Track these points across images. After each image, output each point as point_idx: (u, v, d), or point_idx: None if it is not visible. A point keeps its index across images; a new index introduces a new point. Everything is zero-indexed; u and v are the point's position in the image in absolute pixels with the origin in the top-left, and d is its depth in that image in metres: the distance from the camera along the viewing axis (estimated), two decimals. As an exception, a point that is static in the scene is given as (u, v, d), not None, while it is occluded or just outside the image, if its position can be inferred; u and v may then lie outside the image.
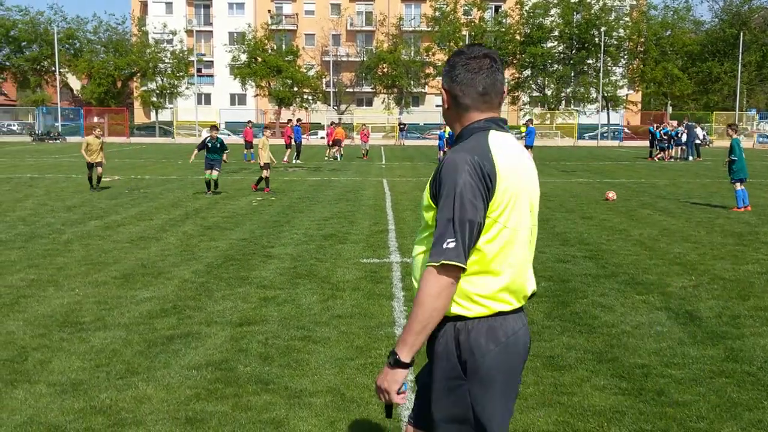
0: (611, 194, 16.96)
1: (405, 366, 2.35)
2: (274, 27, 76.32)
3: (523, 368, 2.55)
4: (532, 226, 2.52)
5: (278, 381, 5.07)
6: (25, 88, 75.45)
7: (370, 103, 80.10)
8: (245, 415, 4.50)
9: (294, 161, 31.83)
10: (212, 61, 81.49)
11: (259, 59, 66.71)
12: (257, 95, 72.89)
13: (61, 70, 68.68)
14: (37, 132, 60.90)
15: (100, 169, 18.35)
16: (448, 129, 32.53)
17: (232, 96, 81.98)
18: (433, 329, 2.34)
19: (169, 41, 71.47)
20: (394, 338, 6.07)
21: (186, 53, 70.65)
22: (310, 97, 69.81)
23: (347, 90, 77.04)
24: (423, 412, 2.55)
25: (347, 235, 11.62)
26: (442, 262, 2.26)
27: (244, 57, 67.51)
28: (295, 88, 68.01)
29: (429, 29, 71.35)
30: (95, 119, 67.63)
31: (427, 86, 74.95)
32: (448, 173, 2.32)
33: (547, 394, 4.88)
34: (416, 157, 37.81)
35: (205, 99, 78.79)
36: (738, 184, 14.92)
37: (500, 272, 2.38)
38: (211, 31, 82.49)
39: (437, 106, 77.92)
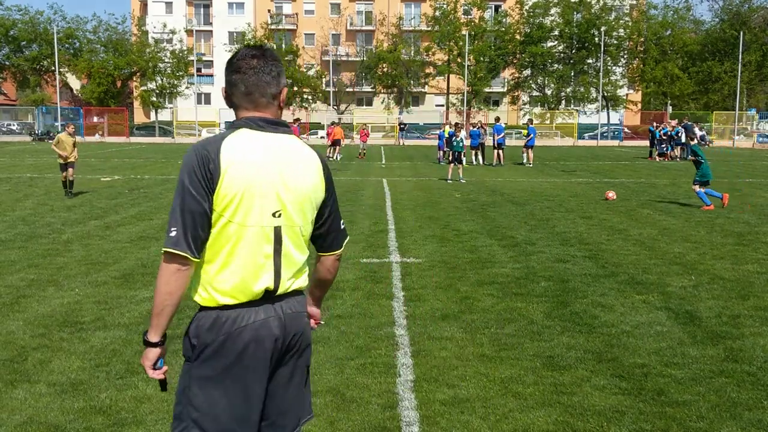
0: (611, 194, 16.96)
1: (152, 345, 2.52)
2: (273, 27, 76.33)
3: (269, 365, 2.50)
4: (287, 226, 2.51)
5: (278, 381, 5.06)
6: (24, 88, 75.44)
7: (370, 103, 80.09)
8: (245, 414, 4.49)
9: None
10: (212, 61, 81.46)
11: (259, 59, 66.56)
12: (257, 95, 72.74)
13: (61, 69, 68.65)
14: (36, 132, 60.90)
15: (71, 170, 17.29)
16: (448, 128, 32.60)
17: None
18: (172, 312, 2.47)
19: (169, 41, 71.41)
20: (394, 338, 6.08)
21: (186, 53, 70.61)
22: (310, 97, 69.83)
23: (347, 90, 77.03)
24: None
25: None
26: (164, 249, 2.41)
27: (243, 57, 67.28)
28: (295, 88, 68.01)
29: (429, 29, 71.31)
30: (95, 119, 67.68)
31: (427, 86, 74.95)
32: (182, 165, 2.46)
33: (547, 393, 4.88)
34: (416, 156, 37.80)
35: (205, 99, 78.76)
36: (697, 187, 15.22)
37: (225, 265, 2.46)
38: (211, 31, 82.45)
39: (437, 105, 77.99)
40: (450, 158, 22.82)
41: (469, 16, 70.04)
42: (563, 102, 72.21)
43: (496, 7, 76.90)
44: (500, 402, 4.74)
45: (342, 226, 2.80)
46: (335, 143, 35.18)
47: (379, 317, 6.73)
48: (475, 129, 31.63)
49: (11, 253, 9.80)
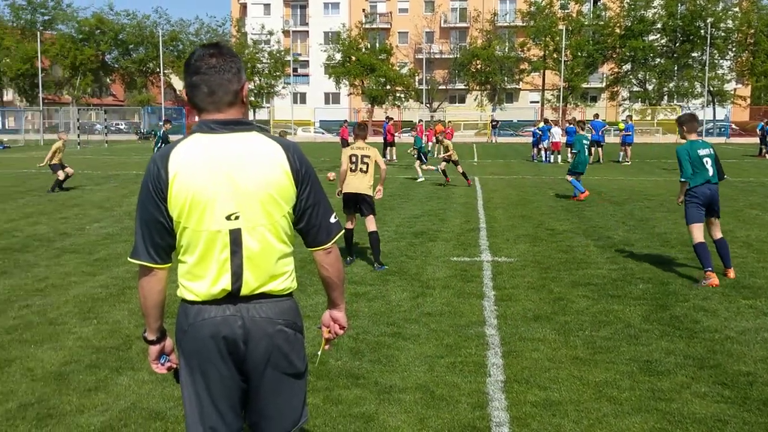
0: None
1: (150, 342, 2.68)
2: (368, 26, 76.97)
3: (229, 363, 2.52)
4: (248, 228, 2.47)
5: (368, 376, 5.12)
6: (132, 89, 79.08)
7: (462, 101, 79.62)
8: (336, 408, 4.57)
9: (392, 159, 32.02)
10: (308, 61, 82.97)
11: (353, 58, 67.45)
12: (351, 94, 73.75)
13: (165, 71, 71.56)
14: (142, 131, 63.69)
15: (70, 170, 18.38)
16: (541, 124, 32.02)
17: (327, 95, 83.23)
18: (155, 314, 2.61)
19: (267, 42, 73.25)
20: (484, 337, 6.03)
21: (283, 53, 72.22)
22: (402, 95, 70.07)
23: (440, 87, 76.84)
24: None
25: (438, 233, 11.60)
26: (128, 259, 2.61)
27: (338, 56, 68.42)
28: (388, 86, 68.38)
29: (524, 24, 70.21)
30: (196, 118, 70.03)
31: (521, 82, 73.83)
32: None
33: (644, 399, 4.72)
34: (509, 154, 37.33)
35: (300, 98, 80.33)
36: (570, 176, 16.17)
37: (188, 266, 2.52)
38: (307, 31, 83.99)
39: (532, 102, 76.72)
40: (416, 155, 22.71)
41: (566, 11, 68.52)
42: (665, 97, 69.60)
43: (595, 1, 74.86)
44: (594, 406, 4.62)
45: (330, 220, 2.67)
46: (437, 141, 35.50)
47: (469, 316, 6.69)
48: (570, 126, 30.92)
49: (117, 246, 10.29)
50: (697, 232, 7.94)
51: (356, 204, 8.88)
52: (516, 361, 5.47)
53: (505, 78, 72.13)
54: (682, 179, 8.03)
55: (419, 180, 21.57)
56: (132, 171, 25.09)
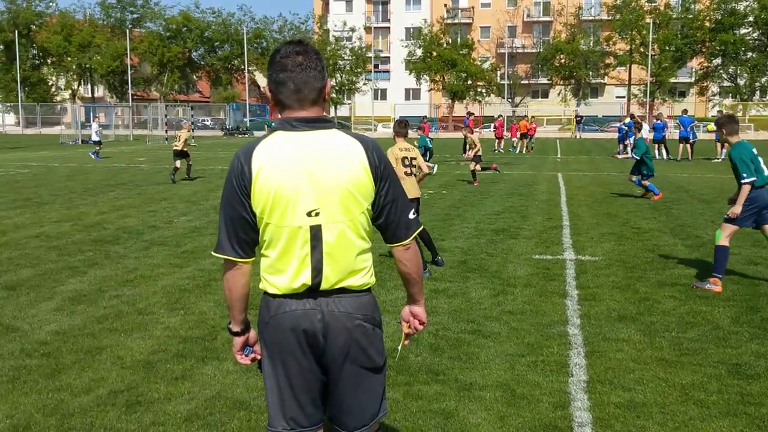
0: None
1: (235, 334, 2.74)
2: (449, 21, 76.61)
3: (309, 355, 2.57)
4: (328, 224, 2.51)
5: (448, 372, 5.11)
6: (217, 86, 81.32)
7: (545, 95, 78.32)
8: (416, 403, 4.58)
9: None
10: (388, 57, 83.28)
11: (434, 53, 67.28)
12: (431, 89, 73.62)
13: (250, 68, 73.22)
14: (227, 127, 65.38)
15: (178, 164, 19.72)
16: (627, 119, 31.17)
17: (407, 91, 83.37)
18: (240, 306, 2.67)
19: (348, 38, 73.93)
20: (566, 337, 5.92)
21: (364, 50, 72.74)
22: (483, 91, 69.48)
23: (522, 82, 75.79)
24: None
25: (519, 230, 11.45)
26: (212, 253, 2.70)
27: (419, 52, 68.36)
28: (469, 82, 67.91)
29: (610, 18, 68.44)
30: (278, 115, 71.49)
31: (606, 77, 72.02)
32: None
33: (732, 403, 4.55)
34: (594, 150, 36.49)
35: (381, 94, 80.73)
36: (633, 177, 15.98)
37: (270, 261, 2.57)
38: (389, 27, 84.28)
39: (618, 97, 74.76)
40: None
41: (654, 3, 66.42)
42: (757, 93, 66.56)
43: (684, -7, 72.30)
44: (680, 409, 4.47)
45: (409, 216, 2.67)
46: (523, 136, 35.56)
47: (551, 315, 6.59)
48: (658, 122, 29.97)
49: (204, 239, 10.60)
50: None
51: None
52: (599, 361, 5.35)
53: (590, 72, 70.52)
54: (746, 181, 7.31)
55: (433, 172, 21.37)
56: (218, 166, 25.78)
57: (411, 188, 8.16)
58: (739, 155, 7.37)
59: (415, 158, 8.43)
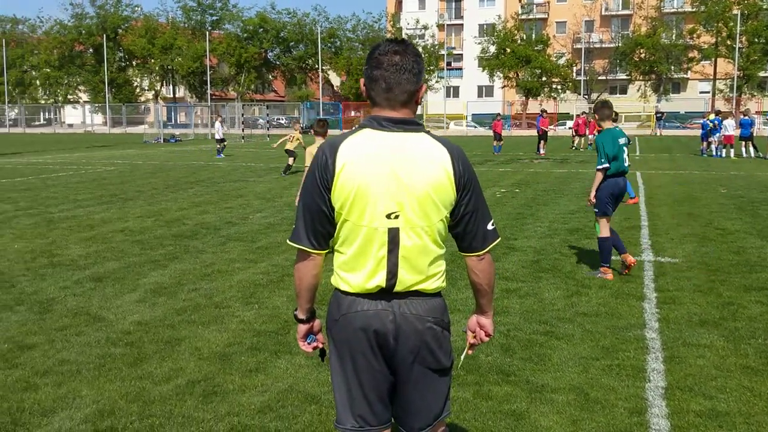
0: None
1: (300, 321, 2.76)
2: (524, 16, 75.57)
3: (379, 355, 2.55)
4: (406, 227, 2.48)
5: (519, 374, 5.03)
6: (292, 85, 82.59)
7: (624, 91, 76.35)
8: (485, 403, 4.52)
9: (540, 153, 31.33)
10: (461, 54, 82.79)
11: (508, 50, 66.49)
12: (504, 86, 72.79)
13: (323, 67, 74.04)
14: (302, 125, 66.25)
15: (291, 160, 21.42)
16: (712, 116, 30.06)
17: (480, 88, 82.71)
18: (308, 296, 2.69)
19: (421, 36, 73.84)
20: (644, 341, 5.74)
21: (437, 47, 72.51)
22: (559, 87, 68.25)
23: (599, 78, 74.09)
24: None
25: (595, 230, 11.16)
26: (287, 241, 2.68)
27: (492, 48, 67.66)
28: (544, 78, 66.82)
29: (694, 10, 66.08)
30: (352, 113, 72.14)
31: (689, 71, 69.66)
32: None
33: (826, 417, 4.31)
34: (675, 148, 35.35)
35: (453, 92, 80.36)
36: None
37: (345, 258, 2.56)
38: (462, 24, 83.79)
39: (701, 92, 72.24)
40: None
41: (742, -6, 63.82)
42: None
43: (774, -18, 69.20)
44: (766, 420, 4.27)
45: (488, 227, 2.63)
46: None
47: (628, 318, 6.40)
48: (745, 118, 28.78)
49: (278, 235, 10.77)
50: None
51: None
52: (679, 367, 5.16)
53: (672, 67, 68.31)
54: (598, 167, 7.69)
55: None
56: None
57: None
58: (602, 141, 7.88)
59: None
